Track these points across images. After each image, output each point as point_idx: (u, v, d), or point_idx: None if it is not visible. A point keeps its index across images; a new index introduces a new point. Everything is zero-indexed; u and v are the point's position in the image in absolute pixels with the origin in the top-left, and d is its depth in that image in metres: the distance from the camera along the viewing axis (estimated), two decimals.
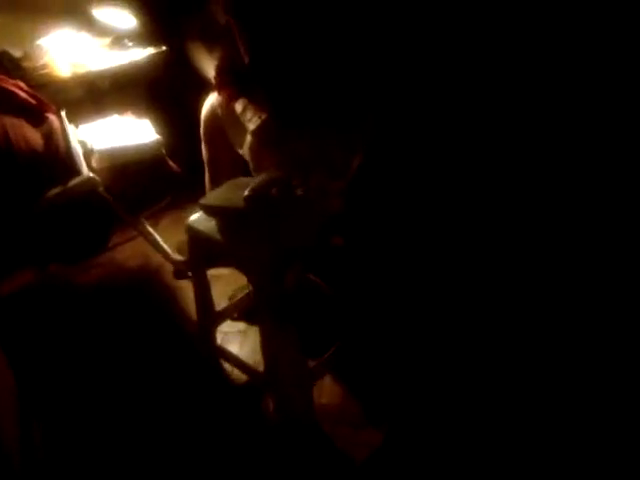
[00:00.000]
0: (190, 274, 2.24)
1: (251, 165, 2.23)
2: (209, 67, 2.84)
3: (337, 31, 2.07)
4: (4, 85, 2.10)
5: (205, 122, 2.43)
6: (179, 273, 2.54)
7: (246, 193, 1.73)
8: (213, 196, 1.79)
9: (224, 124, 2.41)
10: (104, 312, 2.37)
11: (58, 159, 2.08)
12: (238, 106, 2.22)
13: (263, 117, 2.13)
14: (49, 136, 2.08)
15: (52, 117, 2.17)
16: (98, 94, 2.63)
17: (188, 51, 2.89)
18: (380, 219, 1.89)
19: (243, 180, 1.90)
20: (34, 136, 2.04)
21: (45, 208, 1.99)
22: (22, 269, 2.35)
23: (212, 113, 2.42)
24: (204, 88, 2.72)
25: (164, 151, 2.25)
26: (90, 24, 2.78)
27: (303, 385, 1.86)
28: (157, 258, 2.62)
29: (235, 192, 1.78)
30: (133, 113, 2.53)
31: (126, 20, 2.72)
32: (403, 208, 1.90)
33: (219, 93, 2.35)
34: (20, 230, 1.98)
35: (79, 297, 2.48)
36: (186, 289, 2.49)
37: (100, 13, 2.73)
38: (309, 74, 2.11)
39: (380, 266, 1.86)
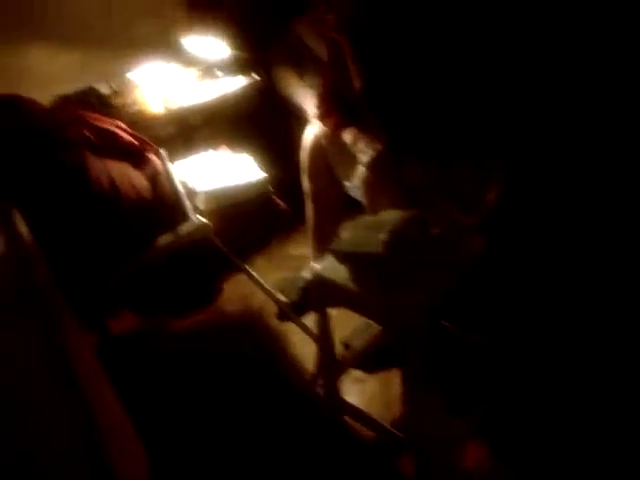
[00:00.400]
0: (293, 317, 2.11)
1: (365, 200, 2.05)
2: (301, 94, 2.70)
3: (467, 54, 1.89)
4: (104, 126, 1.98)
5: (308, 153, 2.27)
6: (283, 315, 2.38)
7: (384, 236, 1.56)
8: (344, 241, 1.62)
9: (329, 155, 2.25)
10: (206, 359, 2.23)
11: (165, 203, 1.95)
12: (347, 136, 2.06)
13: (379, 148, 1.96)
14: (154, 179, 1.96)
15: (153, 157, 2.04)
16: (190, 129, 2.51)
17: (277, 78, 2.76)
18: (531, 257, 1.69)
19: (369, 220, 1.71)
20: (140, 180, 1.91)
21: (156, 258, 1.85)
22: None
23: (316, 143, 2.26)
24: (297, 117, 2.59)
25: (271, 189, 2.10)
26: (179, 55, 2.68)
27: (449, 447, 1.66)
28: (257, 300, 2.48)
29: (367, 234, 1.60)
30: (227, 147, 2.40)
31: (216, 50, 2.61)
32: (555, 243, 1.69)
33: (323, 122, 2.19)
34: (129, 280, 1.86)
35: (180, 342, 2.35)
36: (292, 332, 2.34)
37: (189, 43, 2.62)
38: (431, 101, 1.93)
39: (536, 310, 1.65)
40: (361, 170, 2.02)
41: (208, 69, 2.67)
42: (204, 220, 1.91)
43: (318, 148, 2.27)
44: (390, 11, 1.90)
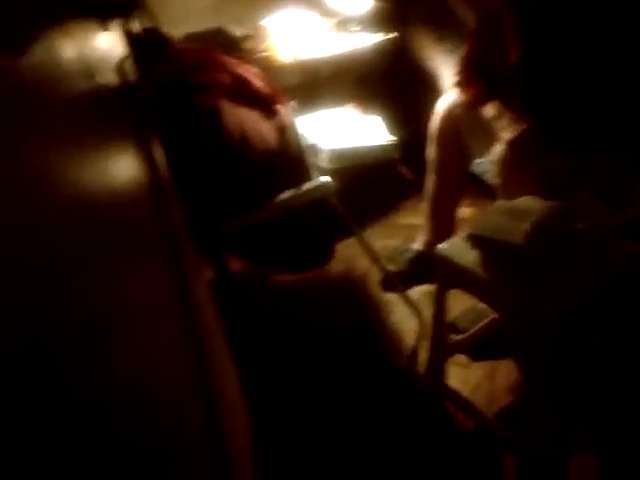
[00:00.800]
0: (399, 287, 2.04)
1: (498, 181, 1.93)
2: (438, 58, 2.56)
3: (629, 42, 1.71)
4: (239, 71, 1.93)
5: (440, 122, 2.16)
6: (388, 284, 2.32)
7: (527, 227, 1.45)
8: (484, 226, 1.52)
9: (463, 127, 2.13)
10: (304, 321, 2.20)
11: (290, 158, 1.89)
12: (490, 109, 1.93)
13: (524, 127, 1.83)
14: (282, 132, 1.90)
15: (283, 109, 1.99)
16: (318, 82, 2.43)
17: (413, 38, 2.63)
18: None
19: (511, 207, 1.59)
20: (269, 132, 1.86)
21: (276, 213, 1.82)
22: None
23: (450, 112, 2.14)
24: (430, 82, 2.46)
25: (399, 155, 2.00)
26: (317, 4, 2.59)
27: (555, 453, 1.57)
28: (363, 265, 2.43)
29: (509, 223, 1.50)
30: (355, 105, 2.31)
31: (354, 2, 2.50)
32: None
33: (463, 91, 2.07)
34: (247, 229, 1.83)
35: (282, 297, 2.34)
36: (394, 303, 2.28)
37: None
38: (591, 85, 1.76)
39: None
40: (499, 148, 1.89)
41: (344, 21, 2.57)
42: (327, 179, 1.84)
43: (451, 118, 2.15)
44: None
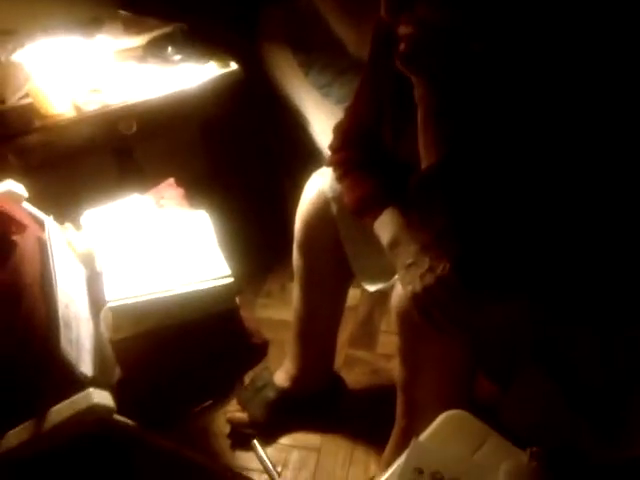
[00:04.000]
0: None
1: (400, 350, 1.18)
2: (304, 98, 1.72)
3: None
4: None
5: (307, 216, 1.36)
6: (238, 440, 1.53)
7: None
8: None
9: (339, 227, 1.34)
10: None
11: (34, 338, 1.02)
12: (382, 226, 1.15)
13: (440, 269, 1.04)
14: (20, 291, 1.02)
15: (26, 242, 1.10)
16: (119, 145, 1.53)
17: (269, 68, 1.75)
18: None
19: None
20: None
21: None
22: None
23: (318, 203, 1.34)
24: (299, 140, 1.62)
25: (238, 302, 1.17)
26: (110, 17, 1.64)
27: None
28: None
29: None
30: (178, 184, 1.44)
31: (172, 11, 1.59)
32: None
33: (338, 177, 1.28)
34: None
35: None
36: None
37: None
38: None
39: None
40: (397, 294, 1.13)
41: (155, 44, 1.62)
42: (97, 400, 0.98)
43: (325, 210, 1.35)
44: None
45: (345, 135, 1.25)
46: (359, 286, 1.42)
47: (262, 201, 1.77)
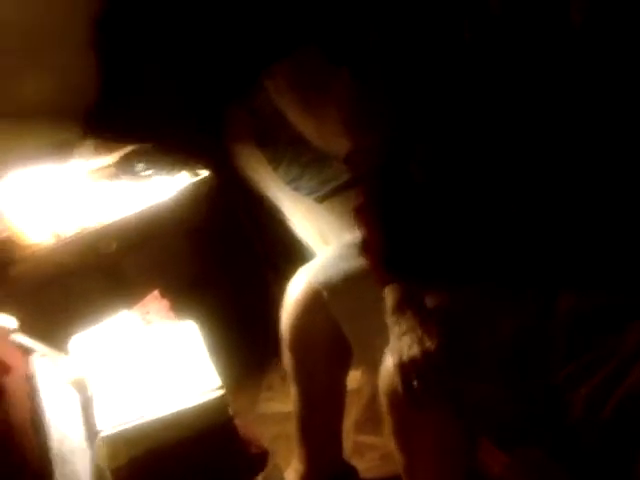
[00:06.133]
0: None
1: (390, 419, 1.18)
2: (276, 189, 1.75)
3: None
4: None
5: (292, 318, 1.36)
6: None
7: None
8: None
9: (334, 311, 1.33)
10: None
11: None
12: (393, 289, 1.14)
13: (429, 343, 1.07)
14: (5, 437, 1.01)
15: (12, 381, 1.09)
16: (103, 262, 1.54)
17: (237, 162, 1.80)
18: None
19: None
20: None
21: None
22: None
23: (306, 299, 1.34)
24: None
25: (231, 414, 1.15)
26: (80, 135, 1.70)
27: None
28: None
29: None
30: (164, 294, 1.44)
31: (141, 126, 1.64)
32: None
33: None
34: None
35: None
36: None
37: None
38: None
39: None
40: (387, 367, 1.13)
41: (127, 161, 1.67)
42: None
43: (312, 304, 1.35)
44: None
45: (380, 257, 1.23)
46: (359, 368, 1.41)
47: (252, 296, 1.78)
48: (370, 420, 1.76)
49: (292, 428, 1.51)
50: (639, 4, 1.01)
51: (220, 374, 1.16)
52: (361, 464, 1.63)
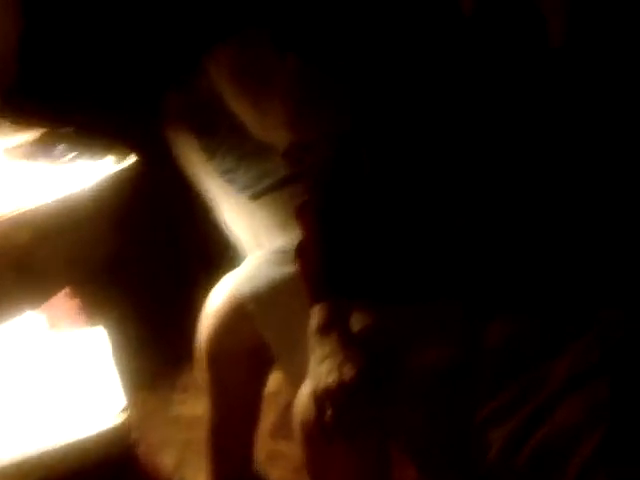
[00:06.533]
0: None
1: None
2: (208, 179, 1.65)
3: None
4: None
5: (212, 330, 1.29)
6: None
7: None
8: None
9: (258, 324, 1.27)
10: None
11: None
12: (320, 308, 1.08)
13: (345, 372, 1.02)
14: None
15: None
16: (15, 255, 1.42)
17: (172, 148, 1.69)
18: None
19: None
20: None
21: None
22: None
23: (228, 310, 1.28)
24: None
25: (132, 441, 1.07)
26: None
27: None
28: None
29: None
30: (75, 294, 1.34)
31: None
32: None
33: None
34: None
35: None
36: None
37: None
38: None
39: None
40: (303, 396, 1.09)
41: (47, 140, 1.53)
42: None
43: (235, 315, 1.28)
44: None
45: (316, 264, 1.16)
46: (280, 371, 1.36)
47: (174, 295, 1.69)
48: (287, 425, 1.72)
49: (203, 434, 1.46)
50: (616, 21, 1.02)
51: (132, 376, 1.09)
52: (275, 472, 1.58)
